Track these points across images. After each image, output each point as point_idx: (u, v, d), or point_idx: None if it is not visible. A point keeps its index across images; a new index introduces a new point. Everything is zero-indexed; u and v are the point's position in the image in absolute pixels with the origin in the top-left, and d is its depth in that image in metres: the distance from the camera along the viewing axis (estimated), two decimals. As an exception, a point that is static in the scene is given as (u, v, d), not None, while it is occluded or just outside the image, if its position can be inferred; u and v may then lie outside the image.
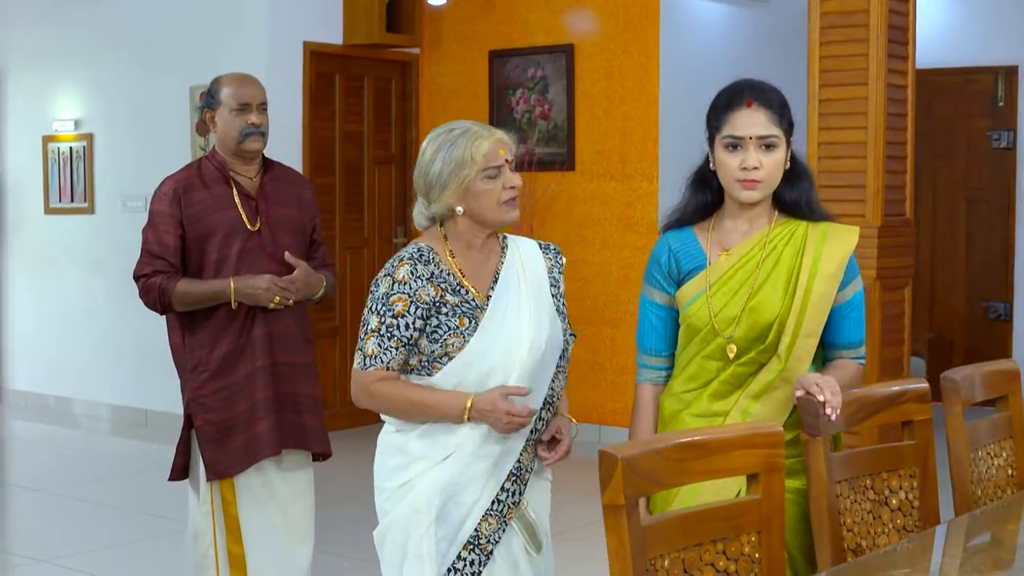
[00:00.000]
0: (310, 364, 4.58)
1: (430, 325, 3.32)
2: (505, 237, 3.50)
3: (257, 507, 4.49)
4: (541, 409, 3.37)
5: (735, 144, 3.14)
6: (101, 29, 9.85)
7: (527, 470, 3.38)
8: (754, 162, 3.12)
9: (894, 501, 3.18)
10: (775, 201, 3.25)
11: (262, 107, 4.47)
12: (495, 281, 3.39)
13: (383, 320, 3.30)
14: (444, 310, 3.32)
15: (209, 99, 4.49)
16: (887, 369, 5.93)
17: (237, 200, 4.44)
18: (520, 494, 3.37)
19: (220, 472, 4.42)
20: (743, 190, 3.15)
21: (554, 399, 3.41)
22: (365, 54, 9.48)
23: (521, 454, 3.35)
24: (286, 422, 4.48)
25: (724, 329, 3.16)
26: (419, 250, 3.36)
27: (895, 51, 5.93)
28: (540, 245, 3.51)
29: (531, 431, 3.35)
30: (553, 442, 3.42)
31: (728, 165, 3.16)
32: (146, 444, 9.10)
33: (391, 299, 3.31)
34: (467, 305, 3.34)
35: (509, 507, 3.36)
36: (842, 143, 5.94)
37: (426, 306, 3.31)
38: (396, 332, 3.30)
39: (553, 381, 3.40)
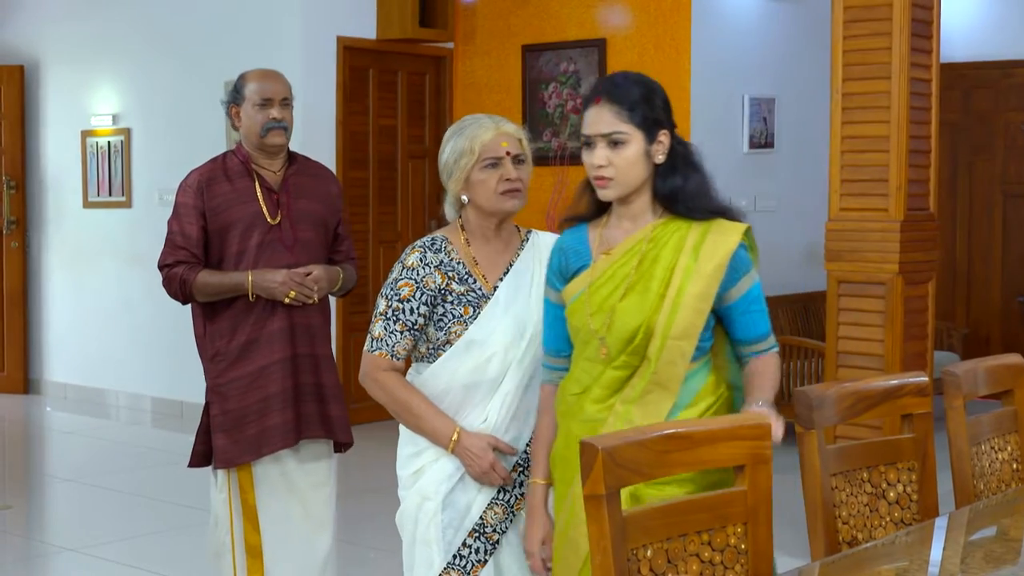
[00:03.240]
0: (331, 355, 4.61)
1: (436, 313, 3.40)
2: (529, 231, 3.54)
3: (275, 496, 4.53)
4: None
5: (588, 142, 3.04)
6: (138, 25, 9.95)
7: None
8: (599, 160, 3.01)
9: (892, 494, 3.19)
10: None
11: (285, 102, 4.51)
12: (507, 272, 3.45)
13: (390, 304, 3.41)
14: (449, 298, 3.40)
15: (234, 94, 4.55)
16: (909, 364, 5.92)
17: (259, 193, 4.49)
18: (526, 478, 3.38)
19: (228, 460, 4.48)
20: (598, 188, 3.07)
21: None
22: (399, 49, 9.53)
23: (528, 445, 3.39)
24: (307, 411, 4.52)
25: (598, 331, 3.05)
26: (432, 239, 3.47)
27: (919, 45, 5.91)
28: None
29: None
30: None
31: (586, 164, 3.08)
32: (182, 435, 9.17)
33: (399, 284, 3.41)
34: (473, 294, 3.41)
35: (517, 498, 3.40)
36: (865, 137, 5.93)
37: (432, 293, 3.39)
38: (401, 316, 3.40)
39: None
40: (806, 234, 9.71)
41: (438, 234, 3.49)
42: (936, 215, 6.15)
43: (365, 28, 9.33)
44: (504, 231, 3.49)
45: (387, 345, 3.41)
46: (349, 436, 4.63)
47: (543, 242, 3.51)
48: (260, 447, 4.46)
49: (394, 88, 9.64)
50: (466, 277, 3.42)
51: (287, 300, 4.42)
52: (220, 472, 4.55)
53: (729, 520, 2.60)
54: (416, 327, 3.41)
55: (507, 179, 3.39)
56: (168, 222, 4.56)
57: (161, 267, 4.54)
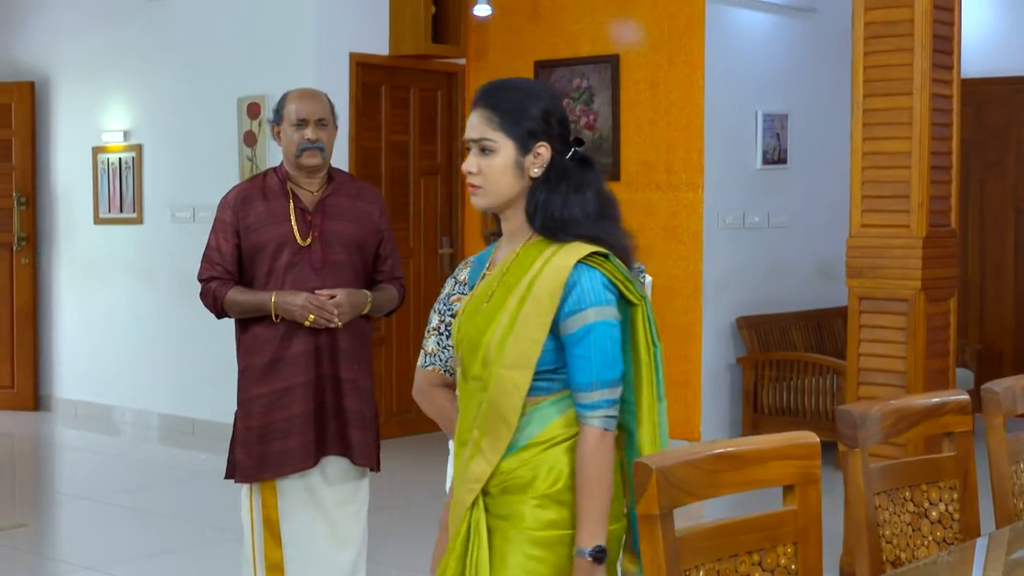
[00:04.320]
0: (358, 380, 4.57)
1: None
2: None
3: (300, 512, 4.53)
4: None
5: (470, 148, 2.94)
6: (150, 40, 9.94)
7: None
8: (469, 166, 2.90)
9: (934, 513, 3.16)
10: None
11: (321, 123, 4.50)
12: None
13: (443, 319, 3.44)
14: None
15: (275, 114, 4.58)
16: (932, 381, 5.89)
17: (292, 214, 4.50)
18: None
19: (247, 476, 4.51)
20: (471, 196, 2.95)
21: None
22: (411, 65, 9.53)
23: None
24: (329, 431, 4.52)
25: (457, 351, 2.98)
26: (484, 253, 3.43)
27: (940, 61, 5.90)
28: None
29: None
30: None
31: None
32: (193, 452, 9.16)
33: (451, 299, 3.45)
34: None
35: None
36: (887, 153, 5.91)
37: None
38: (444, 329, 3.43)
39: None
40: (819, 250, 9.71)
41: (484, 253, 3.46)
42: (957, 231, 6.12)
43: (377, 44, 9.33)
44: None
45: (440, 360, 3.45)
46: (369, 461, 4.61)
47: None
48: (280, 466, 4.48)
49: (406, 104, 9.64)
50: None
51: (307, 323, 4.43)
52: (244, 486, 4.58)
53: (779, 540, 2.58)
54: None
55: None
56: (208, 236, 4.61)
57: (199, 280, 4.60)
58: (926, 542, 3.14)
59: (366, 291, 4.57)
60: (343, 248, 4.53)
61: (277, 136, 4.56)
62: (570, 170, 2.90)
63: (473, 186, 2.91)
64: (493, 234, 3.07)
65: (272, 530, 4.52)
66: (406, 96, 9.63)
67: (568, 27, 9.32)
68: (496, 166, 2.87)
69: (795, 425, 8.66)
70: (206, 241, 4.61)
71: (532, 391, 2.84)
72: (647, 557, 2.36)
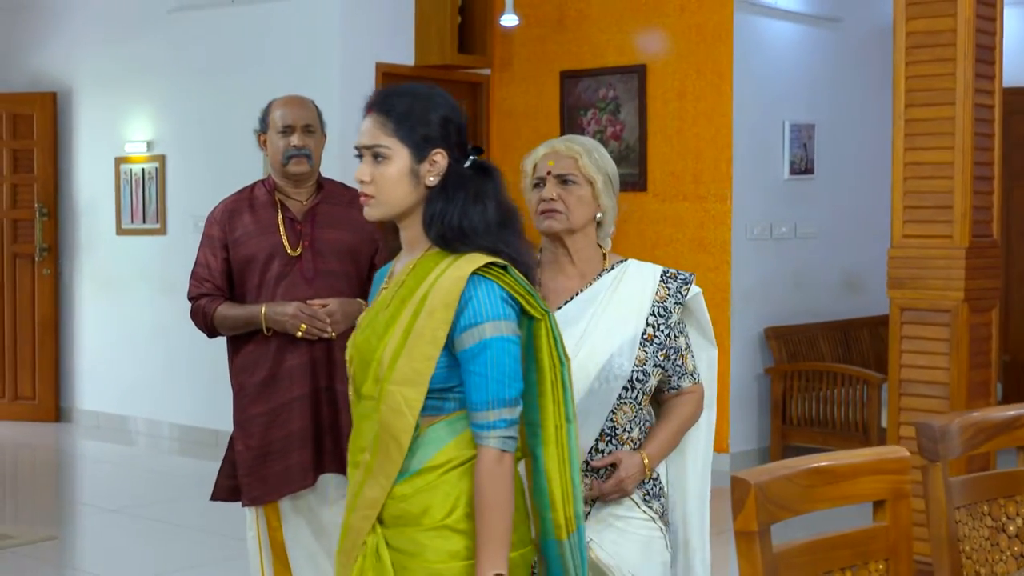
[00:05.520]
0: None
1: None
2: (623, 261, 3.35)
3: (302, 533, 4.40)
4: (598, 440, 3.22)
5: (359, 155, 2.83)
6: (173, 51, 9.92)
7: (586, 501, 3.20)
8: (361, 175, 2.78)
9: (1011, 528, 3.12)
10: None
11: (308, 129, 4.37)
12: (568, 302, 3.29)
13: None
14: None
15: (261, 122, 4.45)
16: (974, 393, 5.85)
17: (281, 224, 4.36)
18: None
19: (254, 499, 4.36)
20: (363, 206, 2.82)
21: (617, 432, 3.23)
22: (436, 75, 9.49)
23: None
24: (326, 448, 4.37)
25: (349, 367, 2.85)
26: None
27: (982, 70, 5.86)
28: (663, 273, 3.33)
29: (585, 461, 3.22)
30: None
31: None
32: (216, 465, 9.09)
33: None
34: None
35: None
36: (929, 163, 5.87)
37: None
38: None
39: (617, 412, 3.23)
40: (845, 261, 9.67)
41: None
42: (999, 242, 6.08)
43: (403, 54, 9.30)
44: (581, 257, 3.31)
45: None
46: None
47: (633, 272, 3.33)
48: (282, 486, 4.33)
49: (431, 114, 9.59)
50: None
51: (299, 334, 4.27)
52: (248, 509, 4.44)
53: (871, 556, 2.53)
54: None
55: (542, 199, 3.27)
56: (197, 253, 4.47)
57: (188, 299, 4.45)
58: (1004, 557, 3.10)
59: (361, 300, 4.38)
60: (335, 257, 4.38)
61: (263, 145, 4.43)
62: (468, 179, 2.77)
63: (365, 195, 2.79)
64: (398, 248, 2.93)
65: (279, 552, 4.39)
66: (431, 106, 9.58)
67: (594, 37, 9.29)
68: (390, 174, 2.75)
69: (824, 437, 8.62)
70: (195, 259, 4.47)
71: (425, 410, 2.71)
72: (745, 574, 2.31)
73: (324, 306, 4.27)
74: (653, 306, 3.28)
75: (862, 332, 9.59)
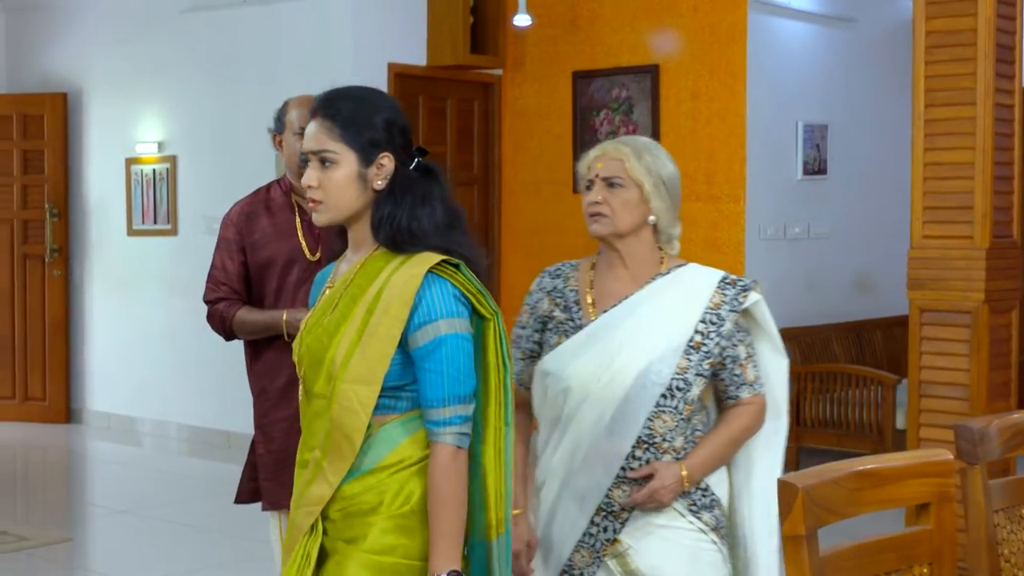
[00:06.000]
0: None
1: (545, 340, 3.30)
2: (680, 265, 3.29)
3: None
4: (635, 448, 3.18)
5: (305, 160, 2.79)
6: (184, 51, 9.90)
7: (623, 508, 3.20)
8: (309, 180, 2.76)
9: (1049, 531, 3.09)
10: None
11: None
12: (617, 303, 3.25)
13: (514, 330, 3.35)
14: (550, 326, 3.30)
15: (277, 122, 4.38)
16: (994, 394, 5.82)
17: (299, 228, 4.30)
18: (615, 532, 3.21)
19: (274, 503, 4.32)
20: (311, 211, 2.81)
21: (655, 440, 3.18)
22: (448, 75, 9.48)
23: (612, 490, 3.20)
24: None
25: (299, 369, 2.83)
26: (561, 264, 3.37)
27: (1002, 70, 5.84)
28: (722, 279, 3.26)
29: (622, 468, 3.18)
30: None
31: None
32: (229, 466, 9.08)
33: (521, 310, 3.36)
34: (571, 324, 3.26)
35: (603, 543, 3.22)
36: (949, 164, 5.84)
37: (541, 319, 3.31)
38: (520, 343, 3.35)
39: (655, 420, 3.17)
40: (858, 261, 9.65)
41: (578, 259, 3.37)
42: (1019, 242, 6.06)
43: (415, 55, 9.28)
44: (634, 261, 3.27)
45: (515, 374, 3.32)
46: None
47: (689, 277, 3.26)
48: None
49: (443, 115, 9.59)
50: (571, 306, 3.27)
51: None
52: (270, 513, 4.40)
53: (915, 560, 2.51)
54: (534, 354, 3.32)
55: (588, 201, 3.25)
56: (212, 256, 4.42)
57: (205, 302, 4.42)
58: (1042, 561, 3.07)
59: None
60: None
61: (278, 145, 4.36)
62: (415, 181, 2.78)
63: (314, 201, 2.77)
64: (339, 253, 2.92)
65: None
66: (443, 107, 9.58)
67: (607, 37, 9.27)
68: (337, 179, 2.75)
69: (839, 438, 8.60)
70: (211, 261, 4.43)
71: (379, 409, 2.71)
72: (792, 579, 2.29)
73: None
74: (705, 313, 3.20)
75: (875, 333, 9.57)
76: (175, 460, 9.54)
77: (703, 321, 3.20)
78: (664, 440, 3.18)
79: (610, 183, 3.21)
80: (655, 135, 9.02)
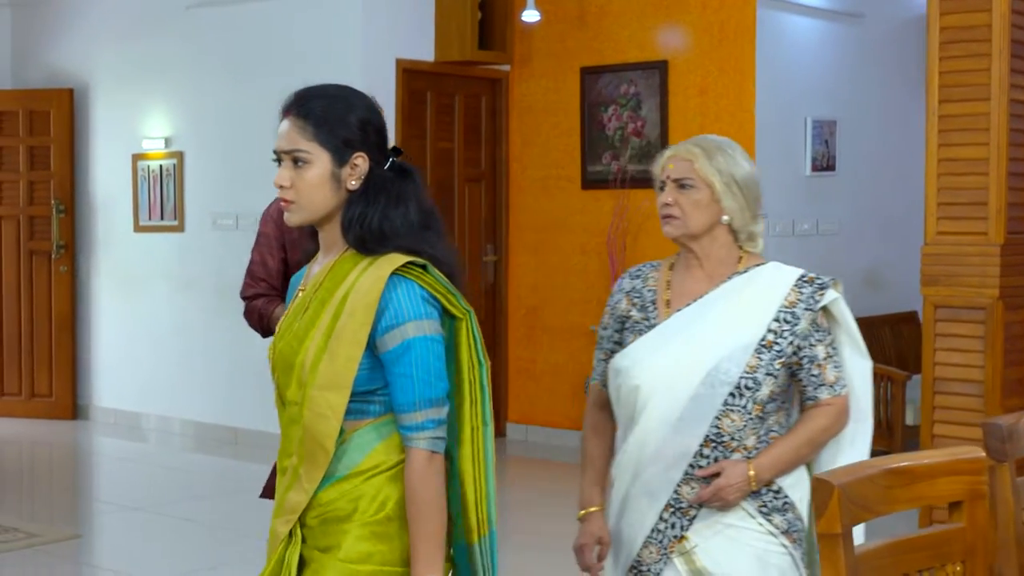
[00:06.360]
0: None
1: (623, 340, 3.31)
2: (759, 265, 3.26)
3: None
4: (703, 446, 3.17)
5: (277, 160, 2.76)
6: (191, 47, 9.88)
7: (691, 506, 3.20)
8: (281, 180, 2.71)
9: (1077, 529, 3.08)
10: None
11: None
12: (691, 303, 3.25)
13: (598, 331, 3.40)
14: (627, 326, 3.31)
15: None
16: (1009, 391, 5.82)
17: None
18: (682, 528, 3.21)
19: None
20: (284, 212, 2.76)
21: (723, 439, 3.16)
22: (456, 71, 9.46)
23: (680, 486, 3.20)
24: None
25: (273, 374, 2.80)
26: (642, 265, 3.39)
27: (1017, 66, 5.83)
28: (800, 277, 3.22)
29: (690, 465, 3.19)
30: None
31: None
32: (237, 462, 9.09)
33: (604, 311, 3.39)
34: (645, 323, 3.27)
35: (670, 539, 3.22)
36: (963, 159, 5.84)
37: (619, 320, 3.33)
38: (602, 343, 3.37)
39: (723, 419, 3.16)
40: (867, 257, 9.63)
41: (660, 260, 3.37)
42: (1033, 238, 6.05)
43: (423, 51, 9.26)
44: (710, 260, 3.25)
45: (597, 373, 3.38)
46: None
47: (766, 275, 3.23)
48: None
49: (451, 111, 9.57)
50: (648, 305, 3.29)
51: None
52: None
53: (948, 558, 2.49)
54: (615, 354, 3.33)
55: (660, 203, 3.27)
56: (251, 251, 4.40)
57: (242, 298, 4.39)
58: (1069, 558, 3.05)
59: None
60: None
61: None
62: (389, 181, 2.73)
63: (286, 201, 2.72)
64: (313, 253, 2.88)
65: None
66: (451, 103, 9.57)
67: (615, 33, 9.25)
68: (310, 179, 2.69)
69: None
70: (249, 256, 4.41)
71: (351, 415, 2.67)
72: (828, 577, 2.28)
73: None
74: (779, 311, 3.17)
75: (884, 329, 9.55)
76: (182, 456, 9.52)
77: (777, 320, 3.17)
78: (732, 439, 3.17)
79: (681, 184, 3.21)
80: (663, 131, 9.00)
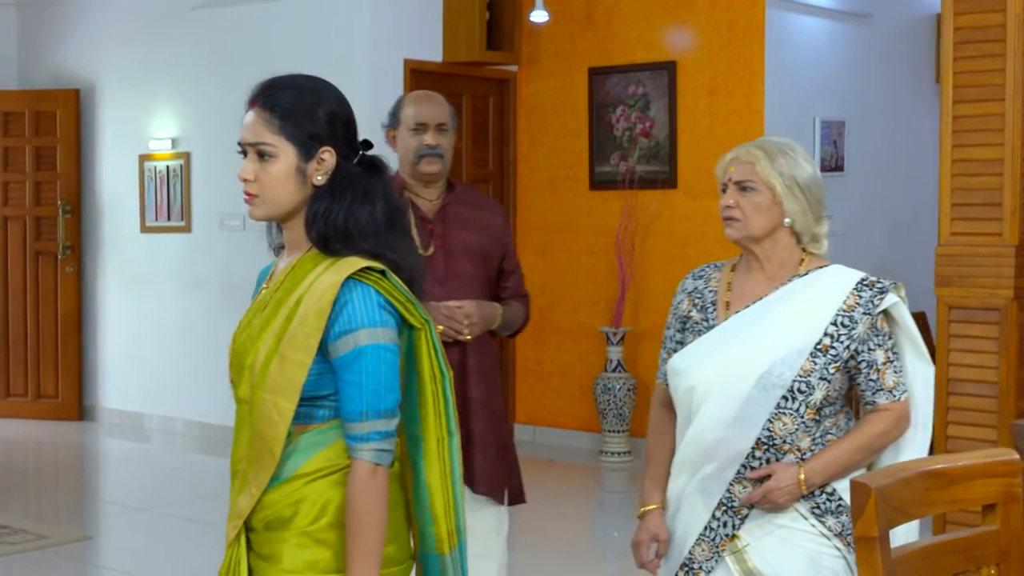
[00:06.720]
0: (487, 402, 4.21)
1: (684, 341, 3.32)
2: (821, 267, 3.25)
3: None
4: (755, 448, 3.17)
5: (242, 152, 2.69)
6: (198, 47, 9.87)
7: (744, 505, 3.20)
8: (245, 173, 2.65)
9: (1104, 531, 3.06)
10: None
11: (441, 127, 4.19)
12: (749, 305, 3.25)
13: (664, 330, 3.40)
14: (687, 326, 3.32)
15: (391, 117, 4.29)
16: (1023, 393, 5.79)
17: (412, 223, 4.11)
18: (734, 528, 3.22)
19: None
20: (247, 206, 2.69)
21: (775, 441, 3.16)
22: (464, 72, 9.45)
23: (732, 485, 3.21)
24: None
25: (230, 372, 2.75)
26: (705, 266, 3.39)
27: (1031, 66, 5.80)
28: (861, 280, 3.22)
29: (742, 466, 3.20)
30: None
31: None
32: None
33: (669, 310, 3.40)
34: (704, 324, 3.29)
35: (722, 538, 3.23)
36: (977, 160, 5.80)
37: (681, 320, 3.34)
38: (666, 343, 3.39)
39: (775, 422, 3.16)
40: (875, 258, 9.61)
41: (722, 261, 3.37)
42: (1048, 239, 6.02)
43: (431, 51, 9.25)
44: (771, 262, 3.24)
45: (661, 372, 3.39)
46: (493, 491, 4.20)
47: (826, 278, 3.23)
48: None
49: (459, 111, 9.52)
50: (708, 306, 3.29)
51: None
52: None
53: (983, 561, 2.48)
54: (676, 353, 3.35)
55: (722, 205, 3.26)
56: None
57: None
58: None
59: (496, 303, 4.23)
60: (468, 258, 4.20)
61: (392, 141, 4.27)
62: (357, 177, 2.66)
63: (249, 195, 2.65)
64: (280, 246, 2.80)
65: None
66: (459, 103, 9.54)
67: (623, 34, 9.23)
68: (275, 173, 2.63)
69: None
70: None
71: (299, 418, 2.61)
72: (865, 580, 2.26)
73: (460, 307, 4.08)
74: (837, 315, 3.16)
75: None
76: (190, 457, 9.51)
77: (834, 324, 3.16)
78: (784, 442, 3.17)
79: (742, 187, 3.20)
80: (672, 132, 8.99)
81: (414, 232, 4.15)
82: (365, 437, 2.56)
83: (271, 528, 2.64)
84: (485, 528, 4.23)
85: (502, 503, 4.30)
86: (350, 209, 2.62)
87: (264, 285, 2.77)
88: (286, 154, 2.63)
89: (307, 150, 2.63)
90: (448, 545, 2.71)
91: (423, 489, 2.70)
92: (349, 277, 2.58)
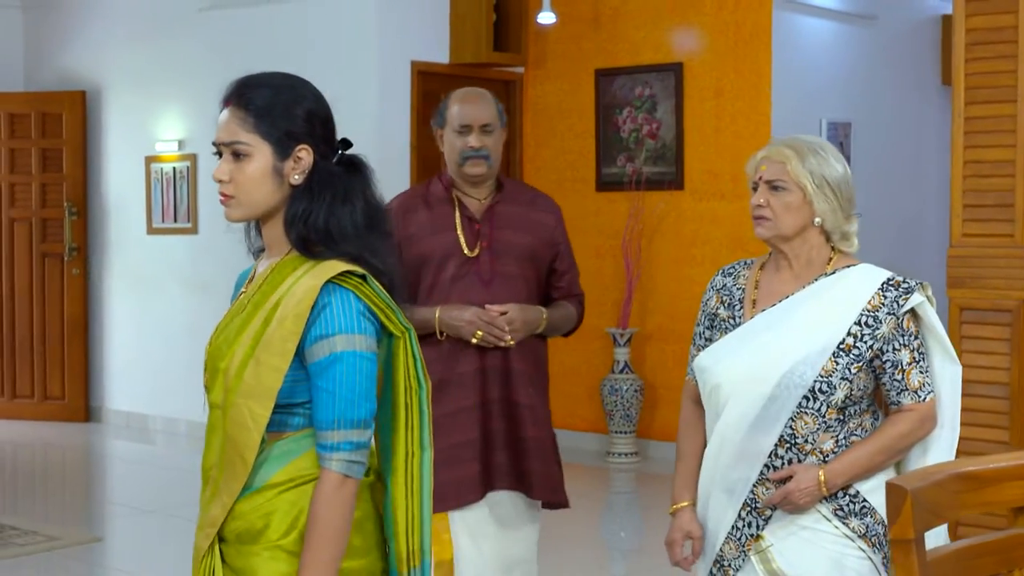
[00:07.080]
0: (535, 406, 4.14)
1: (712, 338, 3.32)
2: (848, 267, 3.25)
3: (467, 550, 4.11)
4: (777, 447, 3.17)
5: (217, 152, 2.64)
6: (204, 49, 9.87)
7: (767, 507, 3.20)
8: (219, 173, 2.59)
9: None
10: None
11: (486, 128, 4.09)
12: (776, 303, 3.24)
13: (695, 327, 3.39)
14: (715, 323, 3.32)
15: (438, 116, 4.22)
16: (1035, 395, 5.80)
17: (458, 222, 4.10)
18: (758, 528, 3.22)
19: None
20: (223, 207, 2.64)
21: (797, 440, 3.16)
22: (470, 73, 9.45)
23: (756, 486, 3.21)
24: (497, 462, 4.09)
25: (204, 376, 2.68)
26: (736, 263, 3.39)
27: (1043, 67, 5.81)
28: (887, 280, 3.21)
29: (766, 466, 3.20)
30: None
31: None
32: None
33: (700, 307, 3.40)
34: (731, 322, 3.28)
35: (747, 537, 3.24)
36: (989, 161, 5.81)
37: (709, 317, 3.33)
38: (696, 340, 3.38)
39: (796, 421, 3.15)
40: (881, 259, 9.62)
41: (752, 258, 3.38)
42: (1059, 241, 6.03)
43: (438, 52, 9.26)
44: (799, 261, 3.24)
45: (690, 369, 3.38)
46: (550, 495, 4.16)
47: (853, 278, 3.22)
48: (446, 498, 3.99)
49: (466, 113, 9.55)
50: (735, 304, 3.29)
51: (474, 340, 4.00)
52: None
53: (1017, 563, 2.48)
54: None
55: (753, 204, 3.26)
56: None
57: None
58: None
59: (541, 307, 4.14)
60: (514, 260, 4.12)
61: (440, 140, 4.20)
62: (336, 176, 2.60)
63: (224, 196, 2.59)
64: (260, 249, 2.73)
65: (444, 568, 4.07)
66: (465, 105, 9.54)
67: (630, 35, 9.25)
68: (250, 173, 2.57)
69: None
70: None
71: (273, 425, 2.54)
72: (901, 583, 2.26)
73: (503, 313, 4.01)
74: (861, 314, 3.15)
75: (898, 331, 9.56)
76: (193, 459, 9.39)
77: (858, 323, 3.15)
78: (806, 441, 3.17)
79: (773, 186, 3.20)
80: (679, 133, 9.00)
81: (460, 233, 4.10)
82: (335, 447, 2.50)
83: (243, 541, 2.58)
84: (531, 532, 4.23)
85: (566, 506, 4.27)
86: (331, 209, 2.57)
87: (243, 289, 2.71)
88: (262, 153, 2.58)
89: (283, 149, 2.58)
90: (407, 565, 2.63)
91: (388, 503, 2.64)
92: (329, 281, 2.53)
